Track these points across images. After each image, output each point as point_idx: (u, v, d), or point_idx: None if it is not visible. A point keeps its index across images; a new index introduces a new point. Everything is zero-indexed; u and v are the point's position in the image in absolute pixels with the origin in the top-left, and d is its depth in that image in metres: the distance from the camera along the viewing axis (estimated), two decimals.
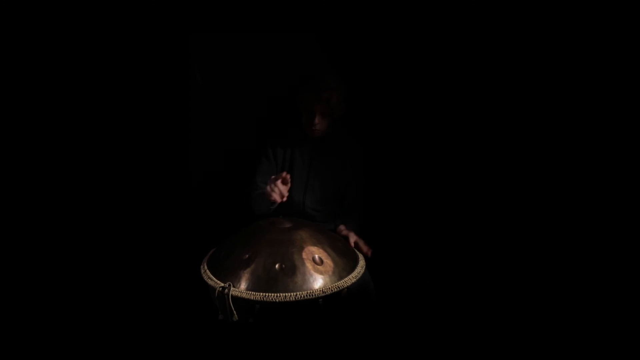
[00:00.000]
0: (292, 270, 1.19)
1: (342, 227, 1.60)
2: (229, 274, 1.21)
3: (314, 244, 1.28)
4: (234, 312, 1.16)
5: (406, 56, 1.94)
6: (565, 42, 1.69)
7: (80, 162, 1.97)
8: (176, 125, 2.06)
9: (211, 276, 1.24)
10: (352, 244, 1.48)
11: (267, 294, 1.15)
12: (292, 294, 1.15)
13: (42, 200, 1.93)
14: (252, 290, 1.16)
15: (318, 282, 1.19)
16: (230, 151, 2.10)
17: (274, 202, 1.48)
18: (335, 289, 1.19)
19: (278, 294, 1.15)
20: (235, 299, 1.16)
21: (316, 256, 1.24)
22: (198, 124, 2.09)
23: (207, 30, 1.95)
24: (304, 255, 1.23)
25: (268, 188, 1.47)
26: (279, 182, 1.45)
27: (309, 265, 1.21)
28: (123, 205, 2.05)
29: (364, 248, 1.46)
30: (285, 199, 1.48)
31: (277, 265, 1.20)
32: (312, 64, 1.96)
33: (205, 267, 1.30)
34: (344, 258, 1.30)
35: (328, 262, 1.24)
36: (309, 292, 1.16)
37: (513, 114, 1.84)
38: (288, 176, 1.46)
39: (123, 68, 1.93)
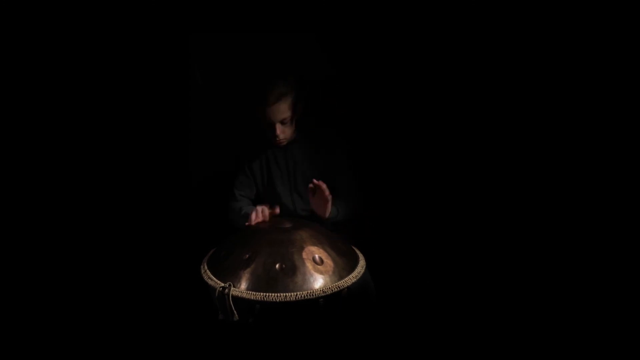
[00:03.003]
0: (292, 270, 1.19)
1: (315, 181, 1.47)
2: (229, 274, 1.21)
3: (314, 244, 1.28)
4: (234, 312, 1.15)
5: (405, 56, 1.94)
6: (562, 42, 1.69)
7: (81, 162, 1.97)
8: (176, 125, 2.06)
9: (211, 276, 1.24)
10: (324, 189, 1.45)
11: (267, 294, 1.15)
12: (292, 294, 1.15)
13: (42, 200, 1.93)
14: (252, 290, 1.16)
15: (318, 282, 1.19)
16: (230, 151, 2.10)
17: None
18: (336, 289, 1.19)
19: (278, 294, 1.15)
20: (236, 299, 1.16)
21: (316, 256, 1.24)
22: (198, 124, 2.08)
23: (207, 30, 1.95)
24: (304, 255, 1.23)
25: (253, 215, 1.44)
26: (266, 213, 1.45)
27: (309, 265, 1.21)
28: (123, 205, 2.05)
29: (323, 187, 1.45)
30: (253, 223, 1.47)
31: (277, 265, 1.20)
32: (312, 64, 1.96)
33: (206, 267, 1.30)
34: (344, 258, 1.30)
35: (328, 262, 1.24)
36: (309, 292, 1.16)
37: (510, 112, 1.84)
38: (277, 211, 1.47)
39: (123, 68, 1.93)
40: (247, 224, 1.44)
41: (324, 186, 1.45)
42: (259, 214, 1.45)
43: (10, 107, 1.83)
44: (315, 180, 1.45)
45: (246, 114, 1.93)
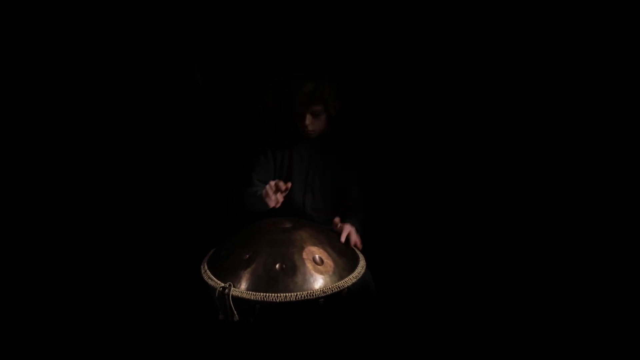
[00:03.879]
0: (292, 271, 1.19)
1: (337, 220, 1.51)
2: (229, 274, 1.21)
3: (314, 244, 1.28)
4: (235, 312, 1.15)
5: (404, 56, 1.94)
6: (562, 42, 1.69)
7: (80, 162, 1.97)
8: (176, 125, 2.06)
9: (211, 276, 1.24)
10: (344, 237, 1.43)
11: (267, 294, 1.15)
12: (292, 294, 1.15)
13: (42, 201, 1.93)
14: (252, 291, 1.16)
15: (318, 282, 1.19)
16: (230, 151, 2.10)
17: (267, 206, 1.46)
18: (336, 289, 1.19)
19: (278, 294, 1.15)
20: (236, 299, 1.16)
21: (316, 256, 1.24)
22: (198, 124, 2.08)
23: (207, 30, 1.95)
24: (305, 255, 1.23)
25: (265, 191, 1.44)
26: (279, 186, 1.42)
27: (309, 265, 1.21)
28: (123, 205, 2.04)
29: (354, 239, 1.44)
30: (279, 205, 1.47)
31: (277, 266, 1.20)
32: (312, 64, 1.96)
33: (206, 267, 1.30)
34: (344, 258, 1.30)
35: (328, 262, 1.24)
36: (309, 292, 1.16)
37: (509, 113, 1.84)
38: (289, 185, 1.43)
39: (123, 68, 1.93)
40: (267, 202, 1.43)
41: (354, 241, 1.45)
42: (272, 186, 1.43)
43: (11, 107, 1.83)
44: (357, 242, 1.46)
45: (256, 107, 1.98)
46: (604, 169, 1.69)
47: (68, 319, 1.79)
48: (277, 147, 1.74)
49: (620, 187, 1.67)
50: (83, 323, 1.77)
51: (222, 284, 1.18)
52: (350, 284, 1.23)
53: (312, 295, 1.16)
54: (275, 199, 1.44)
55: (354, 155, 1.74)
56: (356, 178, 1.73)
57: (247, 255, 1.24)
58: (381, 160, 2.03)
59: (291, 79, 1.66)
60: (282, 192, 1.43)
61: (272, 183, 1.43)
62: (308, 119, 1.61)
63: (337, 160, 1.73)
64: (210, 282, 1.23)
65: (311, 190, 1.73)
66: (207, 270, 1.27)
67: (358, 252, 1.41)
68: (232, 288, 1.16)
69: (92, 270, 1.97)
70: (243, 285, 1.18)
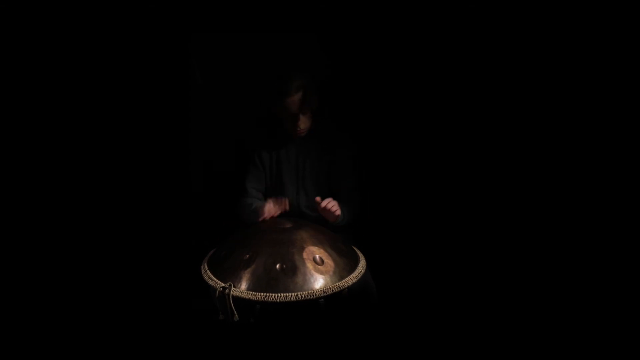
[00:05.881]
0: (292, 271, 1.19)
1: (318, 199, 1.54)
2: (230, 274, 1.21)
3: (315, 244, 1.28)
4: (235, 312, 1.15)
5: (403, 57, 1.94)
6: (562, 42, 1.69)
7: (80, 162, 1.97)
8: (176, 126, 2.06)
9: (212, 276, 1.24)
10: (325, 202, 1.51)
11: (267, 294, 1.15)
12: (292, 294, 1.15)
13: (42, 201, 1.92)
14: (252, 291, 1.16)
15: (319, 282, 1.19)
16: (230, 151, 2.10)
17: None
18: (336, 289, 1.19)
19: (279, 294, 1.15)
20: (236, 299, 1.16)
21: (317, 256, 1.24)
22: (198, 124, 2.08)
23: (207, 30, 1.95)
24: (305, 255, 1.23)
25: (265, 208, 1.54)
26: (276, 207, 1.56)
27: (309, 265, 1.21)
28: (123, 205, 2.04)
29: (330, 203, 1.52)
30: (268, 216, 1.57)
31: (277, 266, 1.20)
32: (313, 64, 1.96)
33: (206, 267, 1.30)
34: (345, 258, 1.30)
35: (329, 262, 1.24)
36: (309, 292, 1.16)
37: (510, 112, 1.83)
38: (286, 203, 1.57)
39: (123, 68, 1.93)
40: (260, 219, 1.51)
41: (330, 206, 1.52)
42: (272, 208, 1.54)
43: (10, 107, 1.83)
44: (322, 202, 1.52)
45: (255, 108, 1.97)
46: (604, 169, 1.69)
47: (69, 319, 1.79)
48: (263, 153, 1.76)
49: (620, 187, 1.67)
50: (83, 323, 1.77)
51: (223, 284, 1.18)
52: (350, 284, 1.23)
53: (313, 295, 1.16)
54: (269, 213, 1.55)
55: (343, 150, 1.72)
56: (346, 172, 1.72)
57: (247, 256, 1.24)
58: (381, 161, 2.03)
59: (272, 81, 1.66)
60: (281, 209, 1.58)
61: (273, 200, 1.58)
62: (301, 120, 1.63)
63: (326, 157, 1.72)
64: (210, 282, 1.23)
65: (304, 190, 1.73)
66: (208, 271, 1.27)
67: (358, 252, 1.41)
68: (233, 288, 1.16)
69: (92, 270, 1.97)
70: (243, 285, 1.18)
